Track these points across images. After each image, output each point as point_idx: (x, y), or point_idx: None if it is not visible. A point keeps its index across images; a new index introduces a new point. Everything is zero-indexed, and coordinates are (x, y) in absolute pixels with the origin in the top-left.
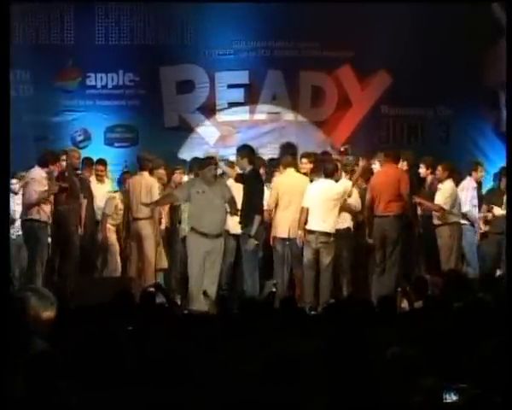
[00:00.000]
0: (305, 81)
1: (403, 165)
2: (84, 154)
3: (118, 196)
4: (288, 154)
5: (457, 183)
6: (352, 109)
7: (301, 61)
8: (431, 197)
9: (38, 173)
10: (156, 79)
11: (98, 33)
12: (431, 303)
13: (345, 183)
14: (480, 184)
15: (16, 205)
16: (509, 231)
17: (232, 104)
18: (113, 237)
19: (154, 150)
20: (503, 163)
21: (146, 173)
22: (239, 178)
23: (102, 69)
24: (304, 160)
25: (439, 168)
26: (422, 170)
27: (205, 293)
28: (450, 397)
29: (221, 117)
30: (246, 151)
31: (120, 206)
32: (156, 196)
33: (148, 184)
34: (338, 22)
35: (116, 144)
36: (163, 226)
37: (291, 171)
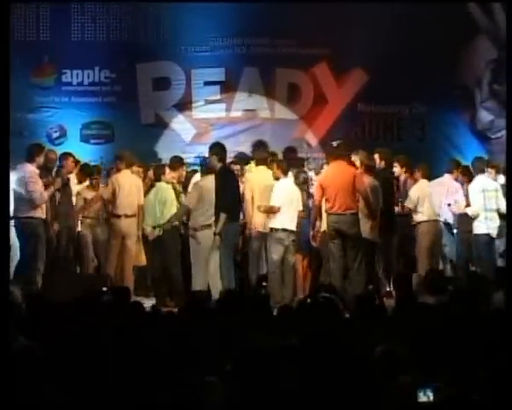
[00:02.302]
0: (282, 78)
1: (381, 164)
2: (60, 150)
3: (82, 190)
4: (261, 150)
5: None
6: (328, 106)
7: (277, 59)
8: (406, 196)
9: (33, 171)
10: (132, 76)
11: (74, 30)
12: (405, 301)
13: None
14: None
15: None
16: (510, 230)
17: (208, 101)
18: (89, 233)
19: (129, 147)
20: None
21: (129, 171)
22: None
23: (78, 66)
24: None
25: (417, 172)
26: (397, 169)
27: None
28: (427, 396)
29: (197, 114)
30: (216, 149)
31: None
32: (142, 194)
33: (137, 183)
34: (314, 20)
35: (92, 141)
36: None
37: (263, 168)
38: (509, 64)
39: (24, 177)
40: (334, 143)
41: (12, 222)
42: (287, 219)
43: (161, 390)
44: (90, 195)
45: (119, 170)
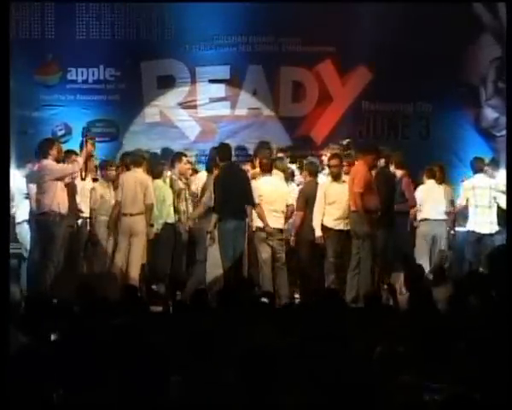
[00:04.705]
0: (286, 76)
1: (381, 162)
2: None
3: (97, 186)
4: (264, 149)
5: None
6: (332, 105)
7: (282, 57)
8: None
9: (49, 162)
10: (137, 74)
11: (79, 28)
12: (417, 298)
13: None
14: None
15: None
16: (510, 230)
17: (213, 99)
18: (103, 231)
19: (134, 145)
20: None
21: (140, 170)
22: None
23: (83, 64)
24: (280, 154)
25: (423, 176)
26: (391, 167)
27: None
28: (431, 396)
29: (202, 112)
30: (218, 148)
31: (106, 197)
32: (152, 193)
33: (143, 182)
34: (319, 18)
35: (97, 139)
36: None
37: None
38: (508, 64)
39: (38, 172)
40: (344, 142)
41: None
42: (269, 218)
43: (164, 388)
44: (105, 191)
45: (128, 169)
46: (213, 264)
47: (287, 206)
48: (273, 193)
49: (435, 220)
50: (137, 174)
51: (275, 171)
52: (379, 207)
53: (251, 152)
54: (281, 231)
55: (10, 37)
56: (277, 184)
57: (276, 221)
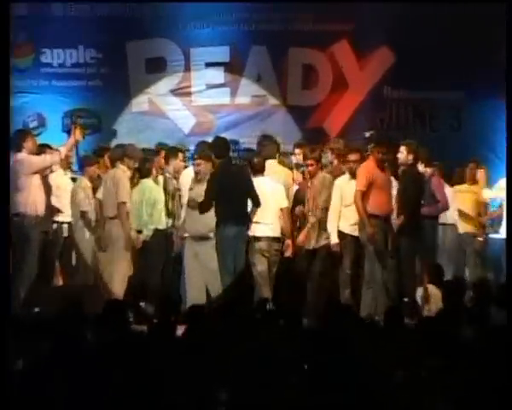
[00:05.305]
0: (295, 59)
1: (408, 158)
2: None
3: (84, 185)
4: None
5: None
6: (348, 92)
7: (290, 36)
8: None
9: (20, 156)
10: (122, 56)
11: (55, 3)
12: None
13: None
14: None
15: None
16: (509, 231)
17: (210, 85)
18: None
19: (119, 139)
20: None
21: (123, 167)
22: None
23: (60, 44)
24: (297, 150)
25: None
26: (403, 155)
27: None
28: None
29: (197, 100)
30: (213, 143)
31: (91, 196)
32: (124, 191)
33: (114, 178)
34: None
35: None
36: None
37: (273, 163)
38: (508, 65)
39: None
40: (367, 134)
41: None
42: (263, 226)
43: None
44: (90, 192)
45: (113, 165)
46: (195, 286)
47: (281, 210)
48: (263, 197)
49: (444, 225)
50: (111, 171)
51: (280, 168)
52: (390, 210)
53: (254, 147)
54: (278, 239)
55: None
56: (270, 186)
57: (269, 229)
